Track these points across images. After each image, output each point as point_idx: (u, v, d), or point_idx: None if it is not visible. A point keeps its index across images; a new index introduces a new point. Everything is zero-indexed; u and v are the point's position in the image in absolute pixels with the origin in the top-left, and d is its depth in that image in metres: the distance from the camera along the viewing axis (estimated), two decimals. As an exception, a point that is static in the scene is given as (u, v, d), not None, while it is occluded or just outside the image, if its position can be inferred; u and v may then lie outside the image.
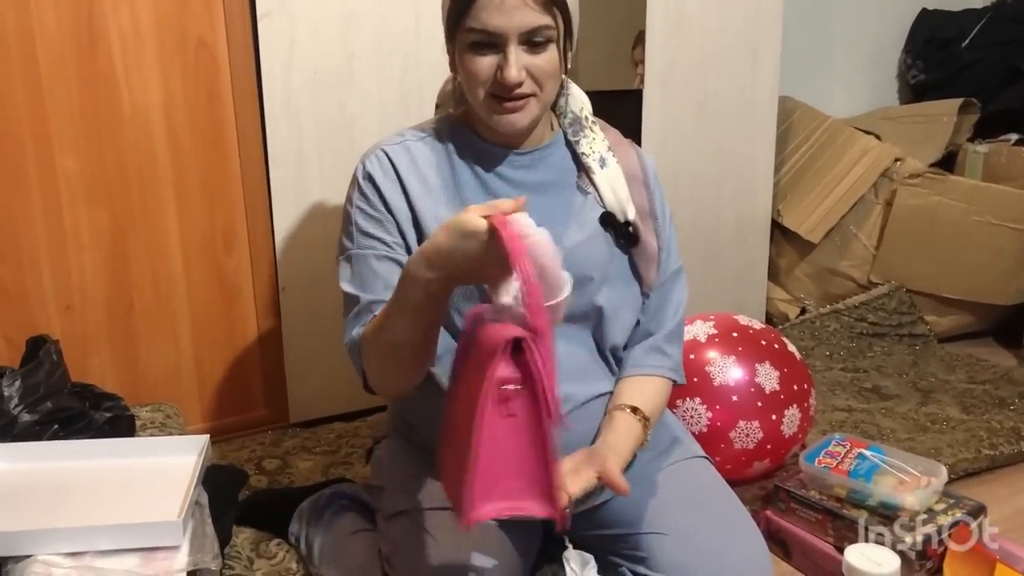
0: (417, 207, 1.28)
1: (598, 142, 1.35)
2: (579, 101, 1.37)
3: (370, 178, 1.30)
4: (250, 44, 2.11)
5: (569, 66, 1.29)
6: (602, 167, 1.34)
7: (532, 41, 1.18)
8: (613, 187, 1.33)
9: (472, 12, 1.16)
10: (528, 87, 1.20)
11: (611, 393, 1.33)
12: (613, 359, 1.36)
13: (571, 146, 1.36)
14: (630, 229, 1.33)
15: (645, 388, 1.32)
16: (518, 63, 1.17)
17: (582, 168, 1.35)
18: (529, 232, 0.95)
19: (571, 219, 1.32)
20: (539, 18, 1.16)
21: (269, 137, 2.17)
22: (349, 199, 1.33)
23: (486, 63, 1.19)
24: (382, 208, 1.28)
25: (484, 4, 1.15)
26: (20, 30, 1.88)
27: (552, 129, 1.37)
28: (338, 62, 2.19)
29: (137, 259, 2.10)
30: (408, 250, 1.28)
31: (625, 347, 1.38)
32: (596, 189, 1.33)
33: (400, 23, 2.22)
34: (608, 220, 1.32)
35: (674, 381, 1.38)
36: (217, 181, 2.16)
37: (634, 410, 1.28)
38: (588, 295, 1.29)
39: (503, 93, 1.20)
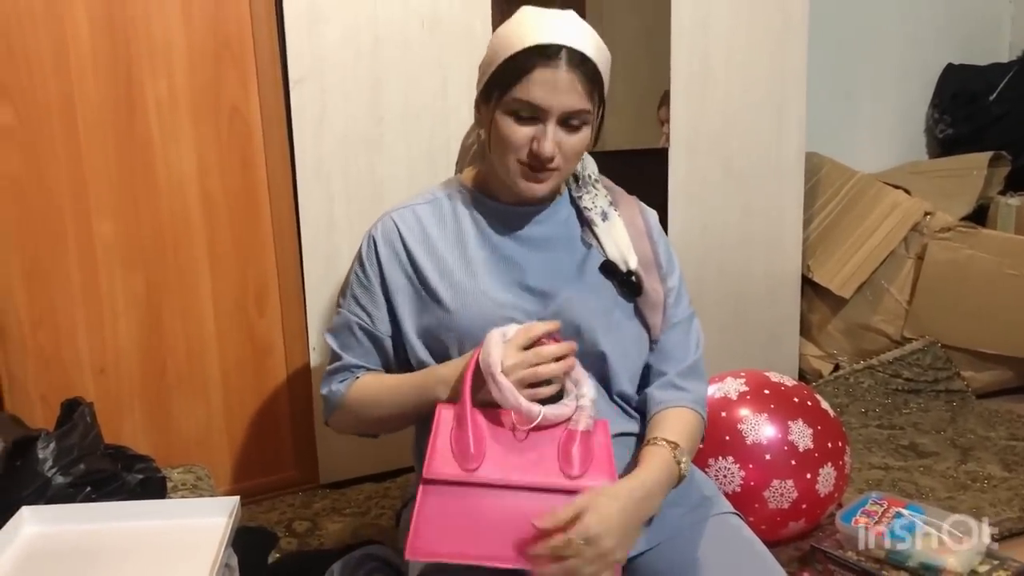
0: (422, 268, 1.34)
1: (600, 198, 1.40)
2: (584, 163, 1.42)
3: (374, 250, 1.38)
4: (282, 110, 2.16)
5: (595, 145, 1.34)
6: (604, 220, 1.38)
7: (570, 122, 1.25)
8: (614, 238, 1.37)
9: (523, 84, 1.22)
10: (556, 162, 1.26)
11: (629, 434, 1.33)
12: (624, 402, 1.36)
13: (575, 202, 1.39)
14: (632, 279, 1.34)
15: (663, 420, 1.31)
16: (554, 139, 1.24)
17: (585, 222, 1.37)
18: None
19: (573, 271, 1.35)
20: (582, 102, 1.24)
21: (301, 200, 2.21)
22: (354, 259, 1.42)
23: (524, 132, 1.25)
24: (376, 284, 1.37)
25: (537, 80, 1.21)
26: (62, 98, 1.94)
27: (560, 191, 1.41)
28: (368, 126, 2.23)
29: (171, 322, 2.13)
30: (396, 318, 1.36)
31: (640, 391, 1.38)
32: (598, 241, 1.36)
33: (428, 87, 2.27)
34: (609, 269, 1.34)
35: (697, 412, 1.35)
36: (250, 244, 2.19)
37: (653, 440, 1.26)
38: (587, 340, 1.31)
39: (534, 163, 1.26)
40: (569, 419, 1.18)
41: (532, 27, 1.24)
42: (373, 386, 1.36)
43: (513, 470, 1.14)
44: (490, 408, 1.20)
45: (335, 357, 1.40)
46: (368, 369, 1.38)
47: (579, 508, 1.09)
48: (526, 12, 1.28)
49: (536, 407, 1.16)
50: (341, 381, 1.38)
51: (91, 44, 1.95)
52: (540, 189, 1.29)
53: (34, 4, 1.89)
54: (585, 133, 1.27)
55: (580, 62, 1.22)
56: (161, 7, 2.00)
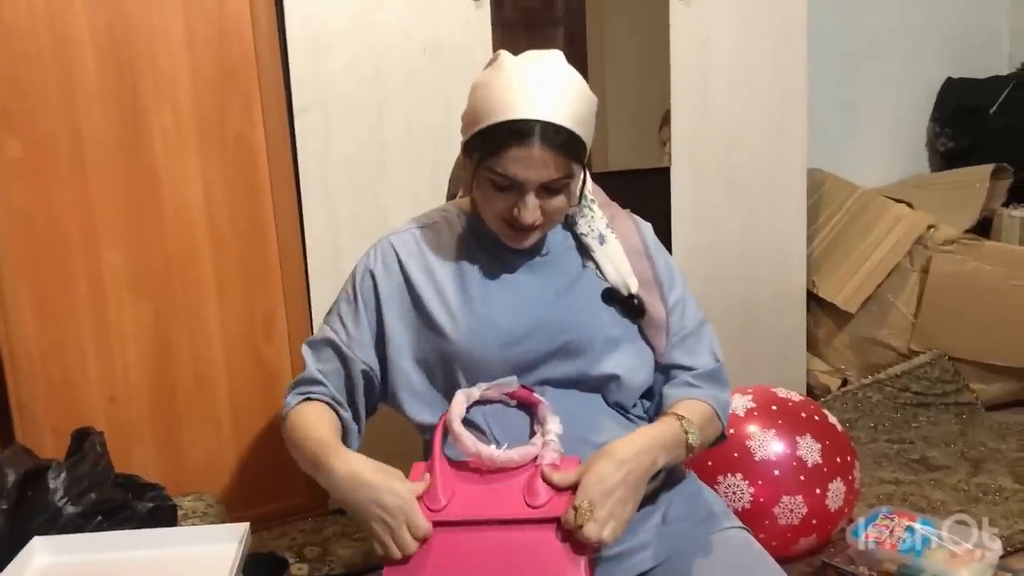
0: (420, 294, 1.35)
1: (596, 220, 1.40)
2: None
3: (370, 274, 1.38)
4: (287, 138, 2.18)
5: (580, 196, 1.35)
6: (601, 244, 1.38)
7: (549, 187, 1.24)
8: (613, 262, 1.37)
9: (499, 158, 1.21)
10: (538, 223, 1.27)
11: None
12: (623, 410, 1.36)
13: (571, 228, 1.39)
14: (635, 301, 1.35)
15: (674, 406, 1.31)
16: (534, 208, 1.24)
17: (582, 247, 1.38)
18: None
19: (573, 290, 1.36)
20: (559, 172, 1.23)
21: (306, 227, 2.23)
22: (348, 277, 1.42)
23: (503, 200, 1.26)
24: (363, 308, 1.37)
25: (512, 156, 1.20)
26: (69, 131, 1.97)
27: None
28: (372, 153, 2.25)
29: (179, 349, 2.15)
30: (384, 344, 1.35)
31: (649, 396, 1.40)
32: (597, 266, 1.37)
33: (431, 112, 2.29)
34: (611, 296, 1.35)
35: (711, 406, 1.36)
36: (256, 271, 2.21)
37: (663, 414, 1.29)
38: (589, 360, 1.31)
39: (516, 226, 1.27)
40: (536, 457, 1.18)
41: (506, 95, 1.21)
42: (309, 419, 1.30)
43: (480, 507, 1.14)
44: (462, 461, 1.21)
45: (304, 367, 1.38)
46: (326, 389, 1.35)
47: (580, 472, 1.14)
48: (504, 68, 1.25)
49: (498, 452, 1.17)
50: (297, 393, 1.35)
51: (97, 76, 1.98)
52: (525, 244, 1.31)
53: (40, 37, 1.91)
54: (567, 192, 1.27)
55: (555, 135, 1.20)
56: (165, 38, 2.03)
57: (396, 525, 1.11)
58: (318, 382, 1.35)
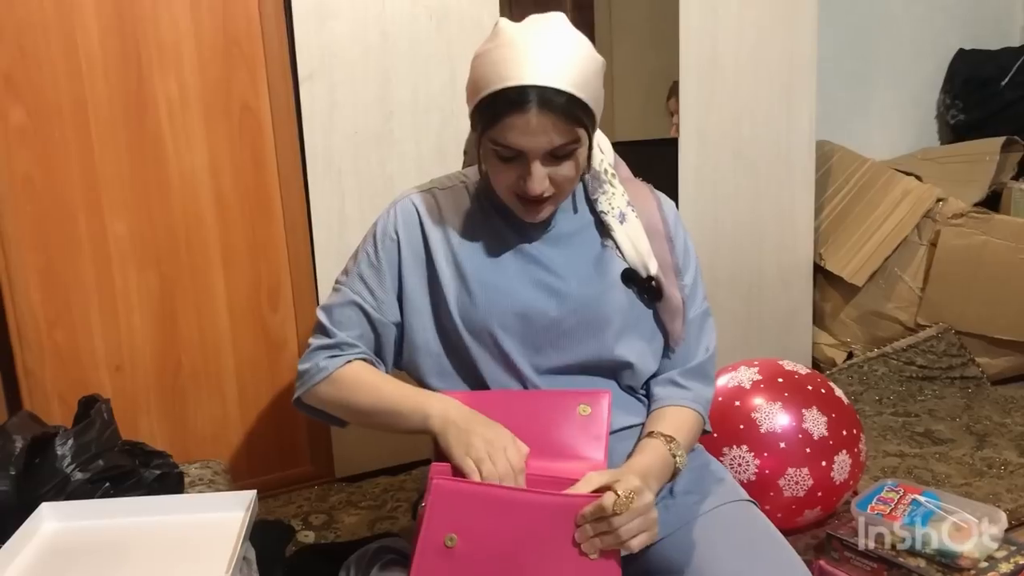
0: (437, 255, 1.32)
1: (617, 197, 1.35)
2: (598, 155, 1.36)
3: (393, 230, 1.34)
4: (292, 107, 2.17)
5: (591, 161, 1.31)
6: (622, 223, 1.34)
7: (555, 155, 1.20)
8: (634, 242, 1.34)
9: (498, 128, 1.18)
10: (548, 192, 1.23)
11: (638, 425, 1.33)
12: (632, 393, 1.36)
13: (590, 203, 1.37)
14: (653, 283, 1.33)
15: (661, 417, 1.31)
16: (541, 177, 1.21)
17: (602, 224, 1.36)
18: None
19: (592, 267, 1.33)
20: (562, 138, 1.18)
21: (312, 196, 2.22)
22: (366, 237, 1.38)
23: (509, 171, 1.22)
24: (386, 266, 1.33)
25: (511, 124, 1.17)
26: (73, 99, 1.95)
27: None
28: (377, 121, 2.24)
29: (185, 318, 2.15)
30: (403, 304, 1.33)
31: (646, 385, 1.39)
32: (616, 245, 1.34)
33: (437, 81, 2.27)
34: (630, 277, 1.33)
35: (697, 412, 1.35)
36: (262, 240, 2.20)
37: (649, 434, 1.27)
38: (605, 341, 1.30)
39: (526, 198, 1.24)
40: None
41: (502, 63, 1.17)
42: (371, 376, 1.31)
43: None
44: None
45: (325, 334, 1.34)
46: (362, 351, 1.33)
47: (610, 476, 1.12)
48: (501, 35, 1.20)
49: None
50: (332, 357, 1.32)
51: (101, 44, 1.96)
52: (539, 216, 1.27)
53: (45, 5, 1.90)
54: (574, 160, 1.22)
55: (553, 100, 1.15)
56: (170, 6, 2.01)
57: (495, 448, 1.15)
58: (352, 345, 1.33)
